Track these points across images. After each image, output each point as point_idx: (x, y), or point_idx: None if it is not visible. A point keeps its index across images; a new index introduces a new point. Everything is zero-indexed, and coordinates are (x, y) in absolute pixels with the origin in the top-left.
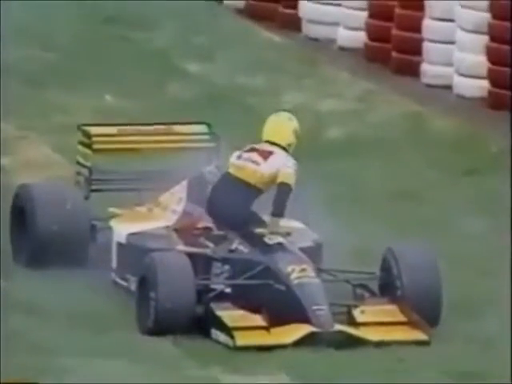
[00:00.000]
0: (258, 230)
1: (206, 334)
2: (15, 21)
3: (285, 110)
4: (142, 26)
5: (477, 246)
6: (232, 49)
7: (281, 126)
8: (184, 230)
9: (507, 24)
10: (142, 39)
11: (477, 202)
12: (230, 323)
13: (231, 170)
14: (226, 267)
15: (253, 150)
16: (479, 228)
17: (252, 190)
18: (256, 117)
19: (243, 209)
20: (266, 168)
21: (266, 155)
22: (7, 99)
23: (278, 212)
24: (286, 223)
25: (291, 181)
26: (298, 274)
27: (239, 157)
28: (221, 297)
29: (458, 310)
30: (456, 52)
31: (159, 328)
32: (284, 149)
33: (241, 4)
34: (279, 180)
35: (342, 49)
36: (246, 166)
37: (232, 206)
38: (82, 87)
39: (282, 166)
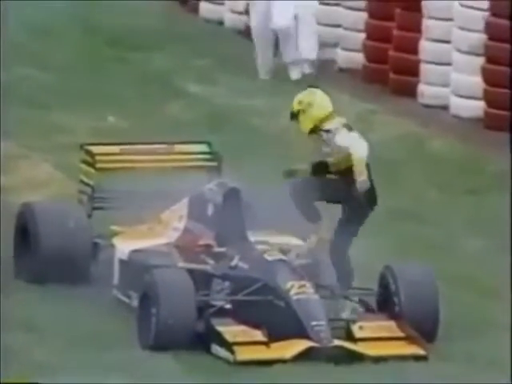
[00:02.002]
0: (259, 247)
1: (207, 350)
2: (18, 42)
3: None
4: (144, 48)
5: (476, 266)
6: (232, 70)
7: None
8: (185, 247)
9: (503, 45)
10: (144, 61)
11: (476, 222)
12: (230, 338)
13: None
14: (227, 283)
15: None
16: (479, 248)
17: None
18: (256, 136)
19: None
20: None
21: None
22: (9, 119)
23: None
24: (284, 239)
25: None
26: (297, 290)
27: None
28: (221, 312)
29: (456, 328)
30: (452, 73)
31: (160, 344)
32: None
33: (241, 26)
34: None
35: (341, 70)
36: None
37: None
38: (83, 108)
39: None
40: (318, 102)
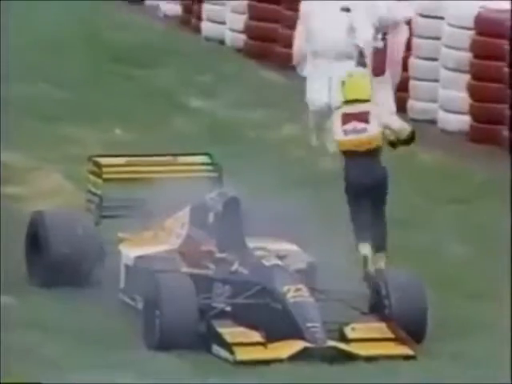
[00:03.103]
0: (257, 253)
1: (208, 350)
2: (29, 60)
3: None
4: (149, 64)
5: (461, 270)
6: (232, 86)
7: (359, 83)
8: (187, 253)
9: (488, 63)
10: (148, 77)
11: (461, 229)
12: (230, 339)
13: (344, 148)
14: (227, 287)
15: (349, 118)
16: (463, 253)
17: (374, 153)
18: (255, 148)
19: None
20: (373, 129)
21: (364, 117)
22: (22, 132)
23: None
24: (281, 246)
25: None
26: (294, 293)
27: (345, 132)
28: (221, 315)
29: (443, 329)
30: (440, 89)
31: (164, 344)
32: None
33: (240, 44)
34: None
35: None
36: (357, 137)
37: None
38: (91, 121)
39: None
40: None
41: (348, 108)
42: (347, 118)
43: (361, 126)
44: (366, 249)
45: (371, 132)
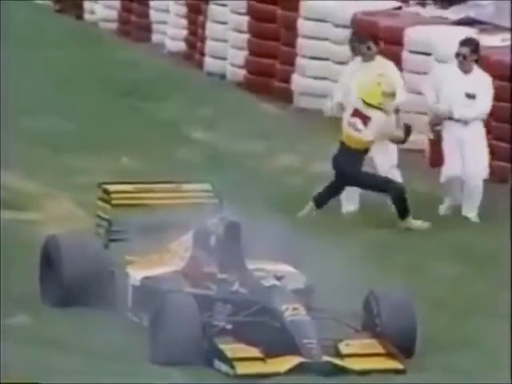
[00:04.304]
0: (256, 274)
1: (210, 365)
2: (43, 96)
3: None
4: (154, 98)
5: (449, 289)
6: (233, 118)
7: (371, 88)
8: (191, 274)
9: None
10: (154, 110)
11: (450, 249)
12: (230, 355)
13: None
14: (228, 306)
15: (356, 113)
16: (452, 273)
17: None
18: (254, 176)
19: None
20: (367, 135)
21: (365, 121)
22: (36, 162)
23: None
24: (279, 267)
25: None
26: (291, 312)
27: (348, 123)
28: (223, 332)
29: (431, 345)
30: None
31: (169, 359)
32: (377, 108)
33: (240, 78)
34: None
35: (330, 118)
36: (351, 133)
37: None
38: (100, 152)
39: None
40: None
41: (361, 106)
42: (356, 113)
43: (360, 125)
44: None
45: (364, 135)
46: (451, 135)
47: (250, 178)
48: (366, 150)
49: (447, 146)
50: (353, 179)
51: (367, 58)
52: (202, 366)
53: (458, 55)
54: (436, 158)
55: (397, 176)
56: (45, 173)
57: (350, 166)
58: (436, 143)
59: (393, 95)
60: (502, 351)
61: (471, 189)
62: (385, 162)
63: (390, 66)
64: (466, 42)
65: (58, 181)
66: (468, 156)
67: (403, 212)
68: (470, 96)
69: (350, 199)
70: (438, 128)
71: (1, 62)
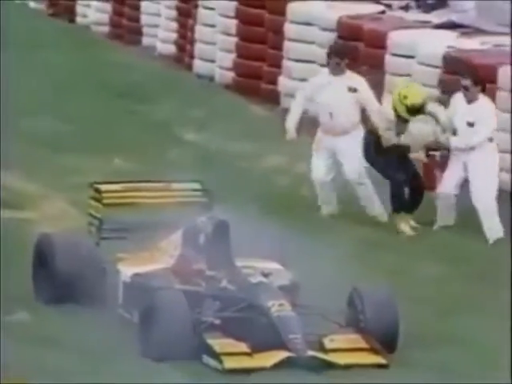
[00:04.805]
0: (244, 271)
1: (199, 359)
2: (40, 98)
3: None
4: (146, 100)
5: (431, 288)
6: (222, 120)
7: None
8: (180, 271)
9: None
10: (146, 111)
11: (433, 250)
12: (218, 350)
13: None
14: (216, 302)
15: None
16: (434, 272)
17: None
18: (243, 176)
19: None
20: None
21: None
22: (30, 163)
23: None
24: (266, 265)
25: None
26: (277, 308)
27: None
28: (211, 327)
29: (413, 341)
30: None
31: (159, 355)
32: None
33: (229, 80)
34: None
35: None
36: None
37: None
38: (93, 152)
39: None
40: None
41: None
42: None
43: None
44: None
45: None
46: (458, 159)
47: (239, 177)
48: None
49: (450, 168)
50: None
51: (337, 71)
52: (191, 361)
53: (462, 87)
54: (430, 182)
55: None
56: (39, 173)
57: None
58: (430, 167)
59: None
60: (482, 348)
61: (482, 213)
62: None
63: (359, 80)
64: (468, 75)
65: (51, 181)
66: (475, 180)
67: (395, 205)
68: (470, 124)
69: (328, 201)
70: (433, 153)
71: (0, 64)
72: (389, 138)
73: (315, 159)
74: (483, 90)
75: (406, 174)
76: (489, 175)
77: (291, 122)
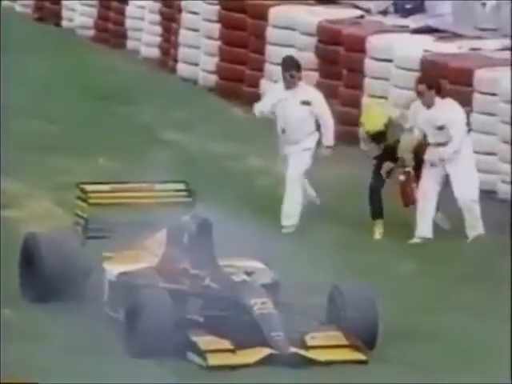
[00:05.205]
0: (227, 270)
1: (183, 356)
2: (27, 100)
3: None
4: (130, 102)
5: (409, 286)
6: (205, 121)
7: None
8: (164, 270)
9: None
10: (130, 114)
11: (410, 249)
12: (202, 347)
13: None
14: (200, 301)
15: None
16: (411, 271)
17: None
18: (225, 177)
19: None
20: None
21: None
22: (17, 163)
23: None
24: (248, 263)
25: None
26: (260, 306)
27: None
28: (195, 325)
29: (391, 338)
30: None
31: (144, 352)
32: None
33: (212, 83)
34: None
35: None
36: None
37: None
38: (79, 153)
39: None
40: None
41: None
42: None
43: None
44: None
45: None
46: (430, 159)
47: (221, 178)
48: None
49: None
50: None
51: (290, 85)
52: (175, 358)
53: (417, 92)
54: (408, 198)
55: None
56: (27, 173)
57: None
58: (408, 183)
59: None
60: (460, 344)
61: (464, 209)
62: (297, 165)
63: (312, 92)
64: (421, 80)
65: (38, 181)
66: (455, 176)
67: (371, 213)
68: (440, 128)
69: (289, 214)
70: (408, 169)
71: None
72: (369, 149)
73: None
74: (438, 92)
75: (381, 182)
76: (468, 169)
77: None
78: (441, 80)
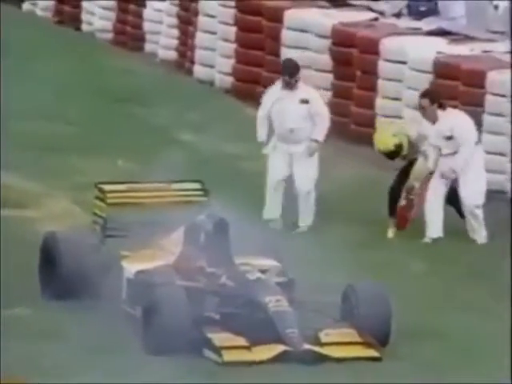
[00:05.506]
0: (242, 268)
1: (200, 353)
2: (44, 101)
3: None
4: (147, 104)
5: (420, 285)
6: (221, 122)
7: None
8: (181, 268)
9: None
10: (148, 115)
11: (421, 249)
12: (218, 343)
13: None
14: (216, 298)
15: None
16: (423, 270)
17: None
18: (239, 176)
19: None
20: None
21: None
22: (38, 164)
23: None
24: (263, 262)
25: None
26: (274, 303)
27: None
28: (211, 322)
29: (404, 335)
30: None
31: (161, 349)
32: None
33: (228, 85)
34: None
35: None
36: None
37: None
38: (97, 154)
39: None
40: None
41: None
42: None
43: None
44: None
45: None
46: (442, 170)
47: (235, 177)
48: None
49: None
50: None
51: (289, 87)
52: (192, 355)
53: (420, 107)
54: (403, 222)
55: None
56: (45, 174)
57: None
58: (407, 209)
59: None
60: (470, 343)
61: (468, 213)
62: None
63: (311, 91)
64: (424, 94)
65: (57, 181)
66: (462, 181)
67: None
68: (448, 138)
69: (275, 205)
70: (412, 197)
71: (1, 70)
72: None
73: (272, 160)
74: (440, 107)
75: (403, 184)
76: (476, 175)
77: (262, 134)
78: (454, 82)
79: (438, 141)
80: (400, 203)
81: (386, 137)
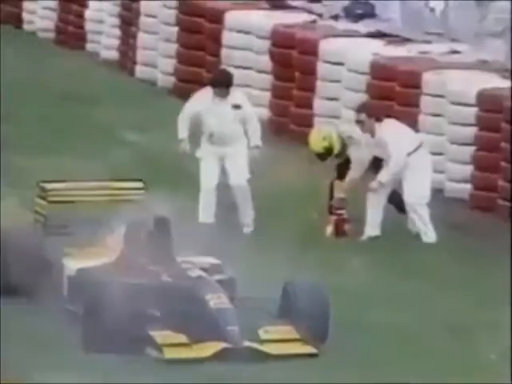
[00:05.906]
0: (184, 266)
1: (141, 351)
2: None
3: None
4: (90, 103)
5: (358, 280)
6: (163, 122)
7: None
8: (123, 266)
9: (379, 102)
10: (91, 114)
11: (356, 245)
12: (159, 341)
13: None
14: (157, 296)
15: None
16: (358, 265)
17: None
18: (181, 175)
19: None
20: None
21: None
22: None
23: None
24: (204, 260)
25: None
26: (215, 301)
27: None
28: (152, 320)
29: (342, 332)
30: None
31: (102, 347)
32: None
33: (170, 85)
34: None
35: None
36: None
37: None
38: (41, 152)
39: None
40: None
41: None
42: None
43: None
44: None
45: None
46: (371, 186)
47: (178, 176)
48: None
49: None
50: None
51: (221, 95)
52: (133, 352)
53: (357, 122)
54: (339, 232)
55: None
56: None
57: None
58: (341, 222)
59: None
60: (408, 336)
61: (411, 212)
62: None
63: (242, 97)
64: (360, 109)
65: (2, 179)
66: (406, 181)
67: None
68: (383, 147)
69: (209, 208)
70: (340, 212)
71: None
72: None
73: (204, 166)
74: (377, 120)
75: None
76: (420, 176)
77: (183, 133)
78: (390, 83)
79: (378, 151)
80: (332, 218)
81: (316, 139)
